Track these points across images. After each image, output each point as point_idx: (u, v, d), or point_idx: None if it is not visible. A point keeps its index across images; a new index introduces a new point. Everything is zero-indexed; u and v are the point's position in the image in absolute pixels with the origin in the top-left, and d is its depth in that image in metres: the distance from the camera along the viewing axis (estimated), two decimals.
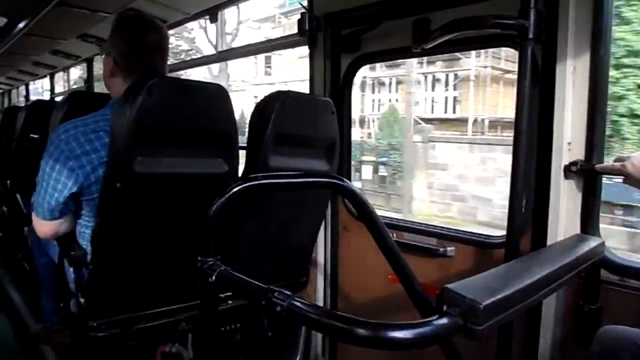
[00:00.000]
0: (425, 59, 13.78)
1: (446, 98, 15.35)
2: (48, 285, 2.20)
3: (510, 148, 1.38)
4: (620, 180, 1.46)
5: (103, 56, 1.76)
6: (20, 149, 2.89)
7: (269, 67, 20.37)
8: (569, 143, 1.58)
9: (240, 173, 1.74)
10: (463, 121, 14.70)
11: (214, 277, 1.09)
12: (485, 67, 14.39)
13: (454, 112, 15.30)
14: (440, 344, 1.47)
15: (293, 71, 16.41)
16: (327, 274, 2.47)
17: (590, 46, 1.53)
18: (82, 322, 1.57)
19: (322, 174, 1.81)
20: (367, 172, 14.31)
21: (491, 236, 1.94)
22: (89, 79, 5.17)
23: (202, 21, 3.30)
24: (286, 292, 0.94)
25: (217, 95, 1.64)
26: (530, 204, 1.69)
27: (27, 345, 2.57)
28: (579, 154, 1.58)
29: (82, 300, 1.59)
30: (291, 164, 1.75)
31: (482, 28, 1.51)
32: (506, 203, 1.41)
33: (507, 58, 13.89)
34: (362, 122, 16.26)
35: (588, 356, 1.36)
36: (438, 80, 15.38)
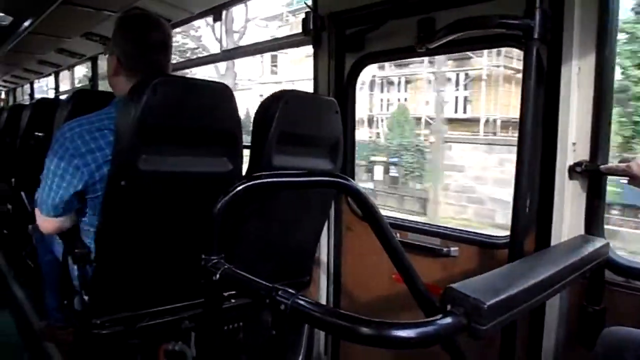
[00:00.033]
0: (435, 57, 13.70)
1: (456, 98, 15.28)
2: (52, 282, 2.21)
3: None
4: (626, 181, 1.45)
5: (107, 55, 1.77)
6: (25, 147, 2.91)
7: (275, 66, 20.38)
8: (574, 143, 1.57)
9: (244, 172, 1.74)
10: (474, 121, 14.62)
11: (218, 276, 1.09)
12: (498, 66, 14.29)
13: (465, 112, 15.24)
14: (443, 344, 1.47)
15: (300, 70, 16.41)
16: (330, 274, 2.47)
17: (596, 46, 1.52)
18: (85, 319, 1.58)
19: (327, 173, 1.81)
20: (377, 172, 14.27)
21: (495, 236, 1.94)
22: (94, 78, 5.20)
23: (209, 19, 3.29)
24: (290, 290, 0.94)
25: (222, 94, 1.64)
26: (535, 204, 1.68)
27: (31, 342, 2.58)
28: (583, 154, 1.58)
29: (85, 297, 1.60)
30: (295, 163, 1.75)
31: (487, 28, 1.51)
32: None
33: (519, 57, 13.72)
34: (370, 122, 16.23)
35: (592, 357, 1.35)
36: (448, 79, 15.32)
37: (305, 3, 2.39)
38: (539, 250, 1.63)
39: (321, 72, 2.38)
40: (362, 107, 15.57)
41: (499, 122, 14.37)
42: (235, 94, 1.70)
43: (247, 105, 15.64)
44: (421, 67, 15.13)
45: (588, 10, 1.52)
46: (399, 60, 13.15)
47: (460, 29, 1.45)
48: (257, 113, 1.72)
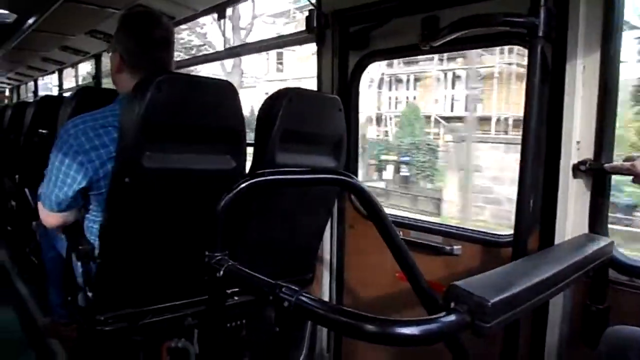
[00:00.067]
0: (445, 55, 13.60)
1: (467, 96, 15.17)
2: (56, 279, 2.22)
3: None
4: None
5: (110, 53, 1.77)
6: (29, 144, 2.91)
7: (281, 63, 20.35)
8: (578, 142, 1.57)
9: (247, 170, 1.74)
10: (485, 119, 14.51)
11: (221, 272, 1.10)
12: (510, 64, 14.16)
13: (475, 110, 15.14)
14: (446, 341, 1.47)
15: (307, 67, 16.37)
16: (333, 271, 2.47)
17: (601, 45, 1.52)
18: (89, 315, 1.59)
19: (330, 170, 1.81)
20: (388, 171, 14.19)
21: (498, 235, 1.94)
22: (97, 75, 5.21)
23: (214, 15, 3.29)
24: (294, 287, 0.94)
25: (226, 92, 1.64)
26: (538, 203, 1.68)
27: (35, 339, 2.59)
28: (588, 153, 1.57)
29: (89, 294, 1.60)
30: (298, 161, 1.75)
31: (492, 26, 1.50)
32: None
33: None
34: (379, 120, 16.15)
35: (595, 356, 1.35)
36: (458, 77, 15.21)
37: (309, 1, 2.39)
38: (542, 249, 1.62)
39: (325, 70, 2.38)
40: (370, 105, 15.48)
41: (510, 121, 14.23)
42: (241, 91, 1.70)
43: (251, 102, 15.60)
44: (431, 65, 15.02)
45: (593, 8, 1.51)
46: (408, 58, 13.01)
47: (465, 26, 1.44)
48: (261, 111, 1.72)
